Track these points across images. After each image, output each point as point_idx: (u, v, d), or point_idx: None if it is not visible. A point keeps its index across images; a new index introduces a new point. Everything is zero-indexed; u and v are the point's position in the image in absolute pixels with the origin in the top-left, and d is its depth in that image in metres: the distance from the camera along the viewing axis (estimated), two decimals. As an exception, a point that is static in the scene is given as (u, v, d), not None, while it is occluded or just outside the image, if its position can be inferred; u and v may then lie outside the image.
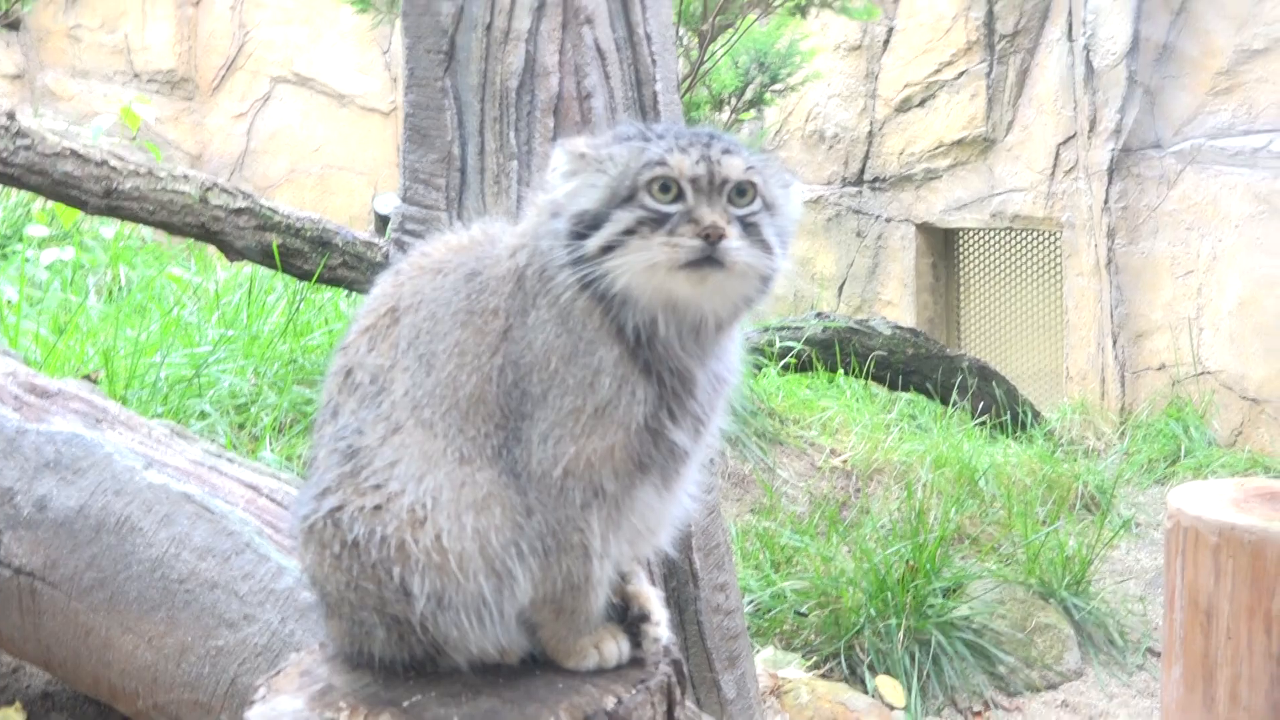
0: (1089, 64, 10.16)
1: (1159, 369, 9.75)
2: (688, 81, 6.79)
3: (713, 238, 1.82)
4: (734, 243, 1.84)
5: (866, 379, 7.51)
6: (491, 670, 2.03)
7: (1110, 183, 9.98)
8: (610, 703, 1.99)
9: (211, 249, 6.58)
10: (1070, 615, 4.89)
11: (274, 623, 2.92)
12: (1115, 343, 10.03)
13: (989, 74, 11.16)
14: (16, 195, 6.85)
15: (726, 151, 1.88)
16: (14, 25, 12.82)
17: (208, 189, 4.96)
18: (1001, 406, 7.88)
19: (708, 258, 1.82)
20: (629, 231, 1.83)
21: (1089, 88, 10.18)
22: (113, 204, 4.65)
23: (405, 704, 1.94)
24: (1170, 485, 7.43)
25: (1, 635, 3.27)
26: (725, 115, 7.54)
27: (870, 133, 11.83)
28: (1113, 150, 9.97)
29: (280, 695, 2.00)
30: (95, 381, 4.19)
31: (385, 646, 1.98)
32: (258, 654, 2.88)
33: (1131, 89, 9.85)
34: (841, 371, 7.38)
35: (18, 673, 3.51)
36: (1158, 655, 4.92)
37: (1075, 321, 10.49)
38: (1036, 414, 8.32)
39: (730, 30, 7.12)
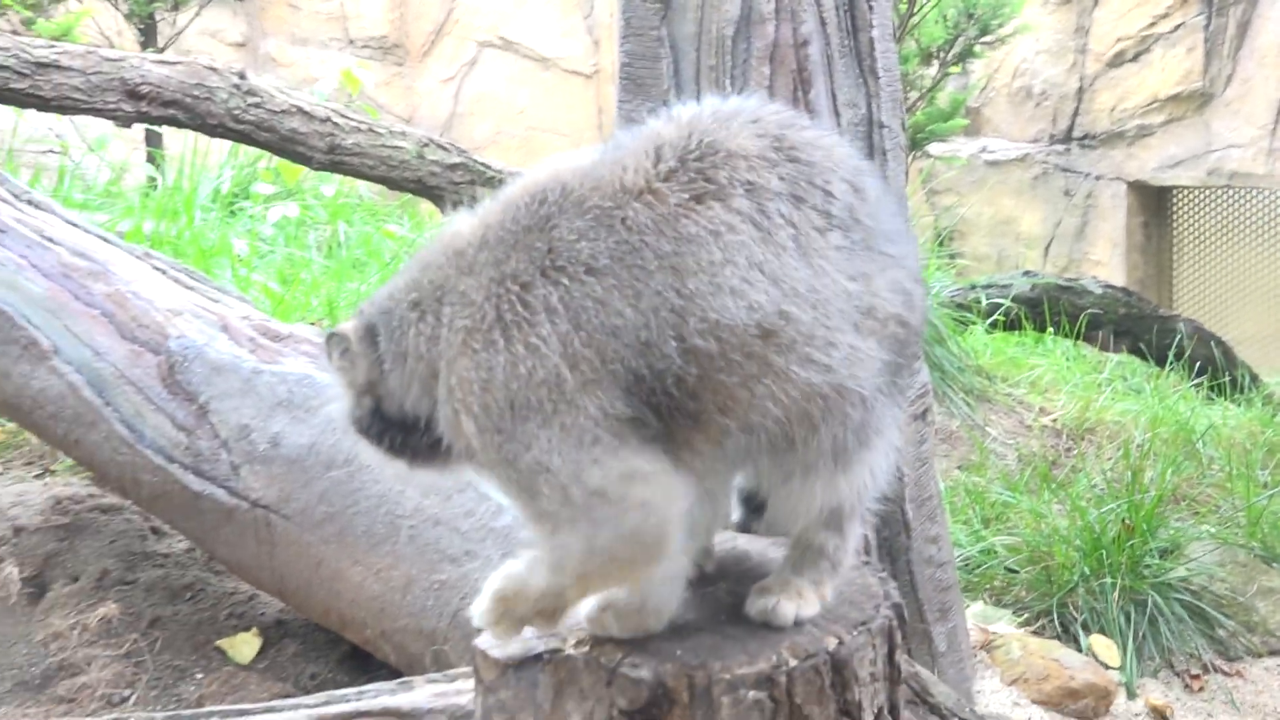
0: (1317, 13, 9.65)
1: (1387, 332, 9.27)
2: (896, 35, 6.65)
3: None
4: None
5: (1076, 338, 7.28)
6: (708, 607, 2.03)
7: (1338, 138, 9.48)
8: (831, 643, 1.95)
9: (424, 206, 6.74)
10: (1294, 581, 4.69)
11: (494, 558, 2.96)
12: (1341, 305, 9.56)
13: (1207, 26, 10.69)
14: (244, 154, 7.10)
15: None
16: (238, -5, 13.29)
17: (424, 145, 5.07)
18: (1219, 369, 7.55)
19: None
20: None
21: (1316, 38, 9.68)
22: (336, 159, 4.78)
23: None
24: (1400, 453, 7.04)
25: (239, 565, 3.42)
26: (933, 69, 7.38)
27: (1080, 89, 11.45)
28: (1342, 103, 9.46)
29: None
30: (321, 327, 4.33)
31: None
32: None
33: (1363, 38, 9.32)
34: (1050, 330, 7.18)
35: (253, 601, 3.66)
36: (1389, 624, 4.68)
37: (1297, 282, 10.03)
38: (1255, 377, 7.95)
39: (939, -18, 6.96)
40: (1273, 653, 4.40)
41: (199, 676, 3.43)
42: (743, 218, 1.65)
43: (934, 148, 9.00)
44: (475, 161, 5.11)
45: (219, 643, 3.54)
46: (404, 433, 1.75)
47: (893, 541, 3.29)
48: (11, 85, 4.14)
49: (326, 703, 2.57)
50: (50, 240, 3.71)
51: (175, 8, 9.30)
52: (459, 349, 1.67)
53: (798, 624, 1.88)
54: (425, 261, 1.79)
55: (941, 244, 9.83)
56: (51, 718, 3.22)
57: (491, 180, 5.07)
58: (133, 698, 3.38)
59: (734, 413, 1.66)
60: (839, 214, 1.71)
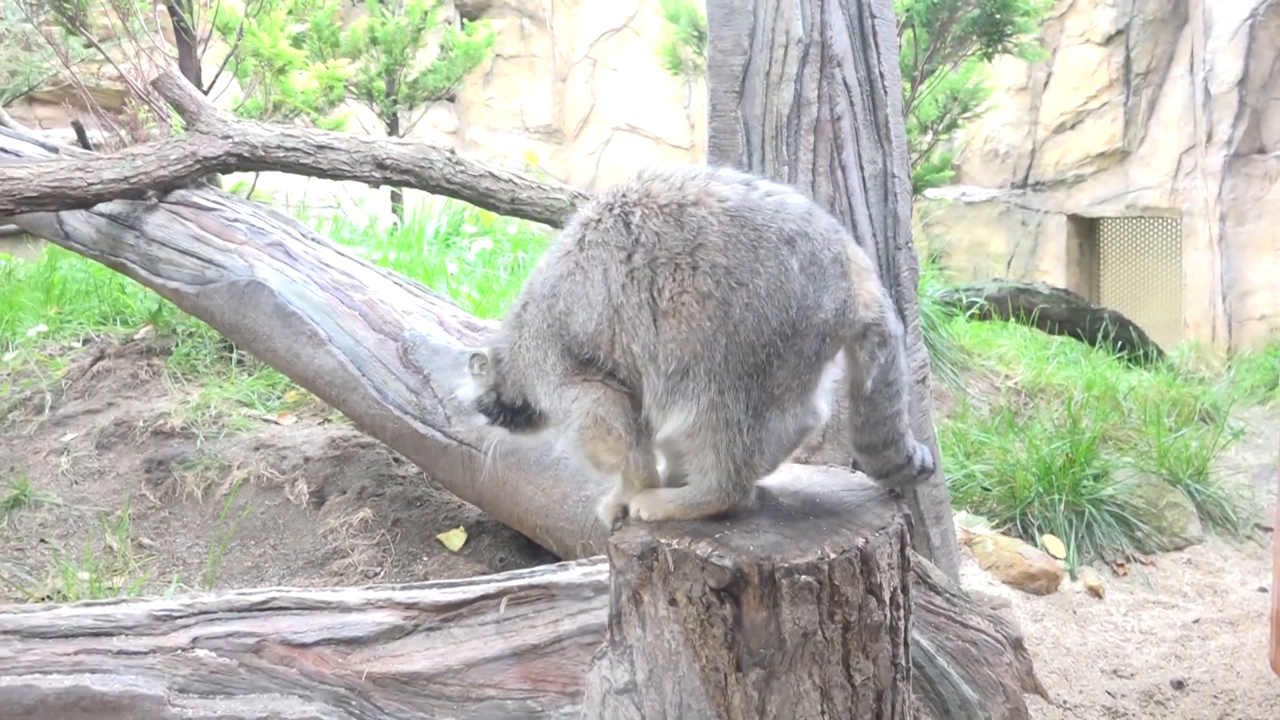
0: (1207, 91, 9.21)
1: (1259, 319, 8.82)
2: (904, 112, 6.47)
3: None
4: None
5: (1031, 326, 7.05)
6: (773, 517, 1.96)
7: (1223, 180, 9.04)
8: (860, 541, 1.88)
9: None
10: (1193, 497, 4.44)
11: (623, 481, 2.93)
12: (1224, 299, 9.11)
13: (1126, 103, 10.27)
14: (454, 206, 7.16)
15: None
16: (451, 99, 13.42)
17: (575, 197, 5.01)
18: (1135, 346, 7.25)
19: None
20: None
21: (1207, 110, 9.23)
22: (516, 208, 4.73)
23: (717, 536, 1.88)
24: (1269, 405, 6.69)
25: (451, 484, 3.43)
26: (929, 136, 7.17)
27: (1033, 150, 11.09)
28: (1225, 155, 9.02)
29: (631, 528, 1.98)
30: (506, 323, 4.33)
31: None
32: (613, 501, 2.90)
33: (1242, 109, 8.88)
34: (1012, 320, 6.95)
35: (461, 508, 3.67)
36: (1264, 529, 4.43)
37: (1192, 284, 9.58)
38: (1161, 352, 7.63)
39: (932, 76, 6.74)
40: (1177, 548, 4.20)
41: (425, 559, 3.45)
42: (576, 265, 1.81)
43: (929, 192, 8.77)
44: (609, 208, 5.05)
45: (439, 536, 3.57)
46: (512, 412, 1.95)
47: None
48: (301, 161, 4.17)
49: (510, 578, 2.56)
50: (326, 264, 3.75)
51: (410, 108, 9.40)
52: (511, 351, 1.94)
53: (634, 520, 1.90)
54: None
55: (933, 261, 9.57)
56: (329, 586, 3.26)
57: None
58: (382, 573, 3.41)
59: (620, 371, 1.82)
60: (641, 247, 1.77)
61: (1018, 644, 2.88)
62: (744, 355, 1.75)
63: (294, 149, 4.11)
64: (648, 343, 1.76)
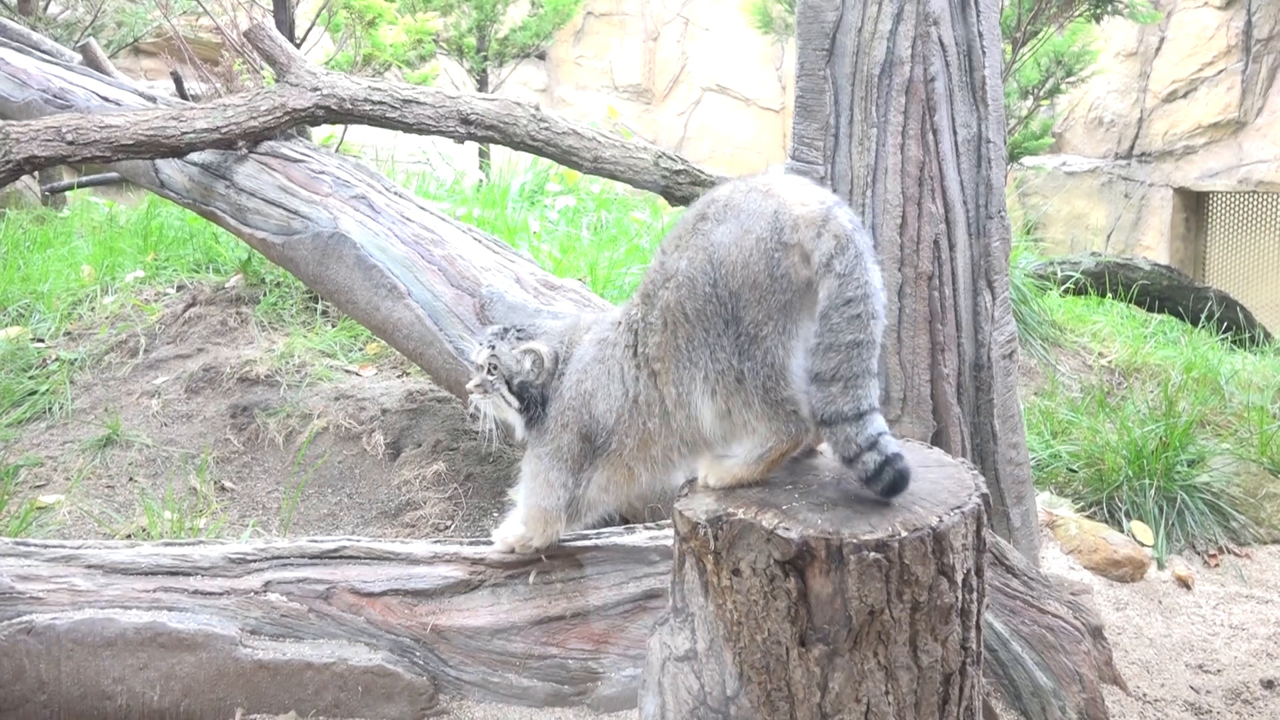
0: (1335, 60, 8.65)
1: (1379, 303, 8.32)
2: (1003, 75, 6.21)
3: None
4: (472, 393, 2.31)
5: (1129, 303, 6.71)
6: (844, 491, 1.91)
7: (1347, 154, 8.51)
8: (934, 520, 1.81)
9: (660, 201, 6.64)
10: (1295, 489, 4.20)
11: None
12: (1342, 281, 8.63)
13: (1244, 71, 9.73)
14: (540, 164, 7.14)
15: (482, 345, 2.31)
16: (541, 56, 13.40)
17: (659, 156, 4.93)
18: (1240, 328, 6.87)
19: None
20: None
21: (1333, 79, 8.68)
22: (598, 167, 4.68)
23: (784, 507, 1.84)
24: (1385, 395, 6.29)
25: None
26: (1029, 102, 6.88)
27: (1140, 119, 10.59)
28: (1351, 128, 8.48)
29: (698, 495, 1.95)
30: (584, 282, 4.30)
31: None
32: (683, 466, 2.86)
33: (1372, 79, 8.31)
34: (1109, 296, 6.64)
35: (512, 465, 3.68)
36: (1372, 525, 4.18)
37: (1307, 264, 9.10)
38: (1268, 335, 7.22)
39: (1035, 38, 6.45)
40: (1275, 542, 3.98)
41: (495, 515, 3.47)
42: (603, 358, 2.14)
43: (1026, 160, 8.43)
44: (693, 168, 4.97)
45: (510, 493, 3.57)
46: (540, 405, 2.22)
47: (983, 447, 3.08)
48: (388, 115, 4.19)
49: (579, 538, 2.55)
50: (407, 219, 3.76)
51: (500, 65, 9.41)
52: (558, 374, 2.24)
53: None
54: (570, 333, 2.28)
55: (1029, 232, 9.26)
56: (400, 537, 3.30)
57: (704, 181, 4.90)
58: (452, 527, 3.44)
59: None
60: (634, 332, 2.07)
61: (1097, 632, 2.77)
62: (706, 324, 1.85)
63: (380, 102, 4.12)
64: (659, 405, 1.99)
